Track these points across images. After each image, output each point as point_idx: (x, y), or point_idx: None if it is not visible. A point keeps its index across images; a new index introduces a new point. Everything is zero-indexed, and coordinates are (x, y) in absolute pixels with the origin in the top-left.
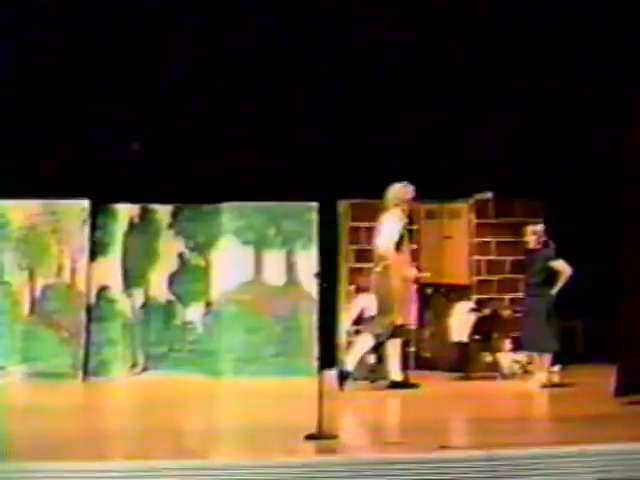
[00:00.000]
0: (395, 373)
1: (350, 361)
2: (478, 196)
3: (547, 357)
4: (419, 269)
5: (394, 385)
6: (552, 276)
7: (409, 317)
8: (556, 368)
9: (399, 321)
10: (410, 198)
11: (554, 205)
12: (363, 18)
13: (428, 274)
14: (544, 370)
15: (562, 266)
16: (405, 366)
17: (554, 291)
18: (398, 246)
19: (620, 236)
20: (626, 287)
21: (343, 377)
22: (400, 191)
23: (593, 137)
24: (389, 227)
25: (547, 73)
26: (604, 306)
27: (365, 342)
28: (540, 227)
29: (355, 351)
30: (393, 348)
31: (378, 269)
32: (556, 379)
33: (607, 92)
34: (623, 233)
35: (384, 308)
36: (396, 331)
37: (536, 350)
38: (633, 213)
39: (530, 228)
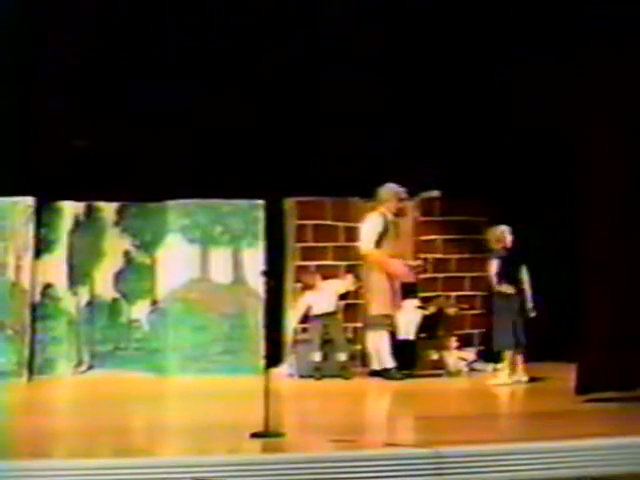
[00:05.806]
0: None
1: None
2: (424, 194)
3: (519, 354)
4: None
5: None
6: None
7: (389, 307)
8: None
9: (383, 311)
10: (400, 198)
11: (505, 204)
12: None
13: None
14: (519, 368)
15: (524, 275)
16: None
17: (527, 293)
18: (379, 243)
19: (578, 233)
20: (586, 284)
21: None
22: (390, 191)
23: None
24: (366, 227)
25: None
26: (552, 305)
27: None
28: (503, 229)
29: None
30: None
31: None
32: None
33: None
34: (581, 229)
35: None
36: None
37: (508, 348)
38: (590, 209)
39: (498, 230)
